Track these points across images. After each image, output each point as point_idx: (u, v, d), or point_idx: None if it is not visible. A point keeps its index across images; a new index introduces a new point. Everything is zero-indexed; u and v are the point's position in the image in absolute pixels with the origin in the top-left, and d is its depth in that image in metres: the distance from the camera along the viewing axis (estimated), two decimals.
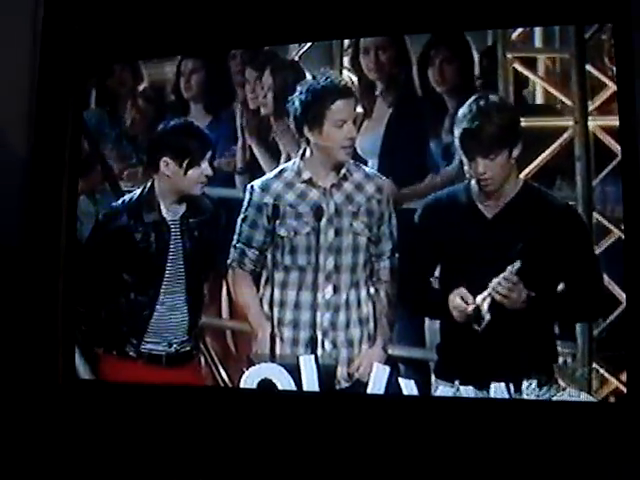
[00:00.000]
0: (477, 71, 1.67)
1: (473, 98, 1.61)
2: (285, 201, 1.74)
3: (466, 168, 1.62)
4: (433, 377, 1.65)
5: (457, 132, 1.61)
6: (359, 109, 1.73)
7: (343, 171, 1.73)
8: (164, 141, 1.81)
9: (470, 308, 1.61)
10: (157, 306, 1.80)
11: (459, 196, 1.66)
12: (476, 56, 1.67)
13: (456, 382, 1.61)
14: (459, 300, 1.61)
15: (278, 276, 1.74)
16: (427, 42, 1.70)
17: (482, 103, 1.60)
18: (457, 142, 1.61)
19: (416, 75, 1.71)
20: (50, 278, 1.89)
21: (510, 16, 1.63)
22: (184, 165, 1.78)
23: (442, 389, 1.63)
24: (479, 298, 1.60)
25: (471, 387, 1.61)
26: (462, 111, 1.61)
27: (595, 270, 1.57)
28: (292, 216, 1.73)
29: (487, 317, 1.60)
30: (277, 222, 1.74)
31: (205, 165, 1.79)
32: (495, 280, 1.59)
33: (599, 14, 1.58)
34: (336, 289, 1.72)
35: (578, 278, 1.59)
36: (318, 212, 1.72)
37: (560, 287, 1.61)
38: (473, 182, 1.64)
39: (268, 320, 1.74)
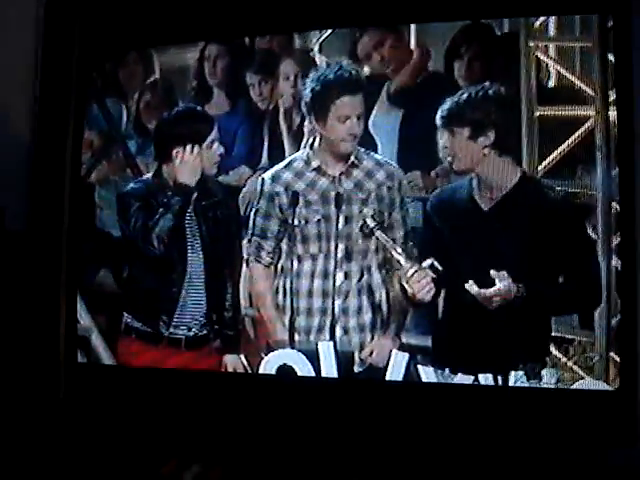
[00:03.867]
0: (500, 61, 1.67)
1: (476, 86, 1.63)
2: (295, 190, 1.75)
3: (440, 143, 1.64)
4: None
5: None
6: (364, 102, 1.72)
7: (352, 159, 1.74)
8: (171, 131, 1.83)
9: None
10: (183, 289, 1.81)
11: (461, 188, 1.67)
12: (500, 46, 1.67)
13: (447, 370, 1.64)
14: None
15: (292, 265, 1.75)
16: (455, 35, 1.69)
17: (476, 90, 1.63)
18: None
19: (442, 67, 1.71)
20: (53, 262, 1.90)
21: (525, 5, 1.64)
22: (196, 150, 1.79)
23: (460, 377, 1.65)
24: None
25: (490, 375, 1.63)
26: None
27: (591, 263, 1.57)
28: (302, 204, 1.74)
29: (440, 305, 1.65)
30: (288, 211, 1.75)
31: (216, 145, 1.80)
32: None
33: (599, 4, 1.58)
34: (347, 275, 1.73)
35: (574, 271, 1.60)
36: (335, 199, 1.73)
37: (558, 279, 1.61)
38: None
39: (284, 309, 1.76)
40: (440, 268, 1.66)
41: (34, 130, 1.97)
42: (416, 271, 1.67)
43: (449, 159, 1.67)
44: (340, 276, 1.73)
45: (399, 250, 1.70)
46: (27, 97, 1.99)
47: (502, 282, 1.60)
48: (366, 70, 1.75)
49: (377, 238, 1.71)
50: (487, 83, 1.64)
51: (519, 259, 1.61)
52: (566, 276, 1.62)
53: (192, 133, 1.80)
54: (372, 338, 1.74)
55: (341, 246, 1.73)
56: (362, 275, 1.74)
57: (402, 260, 1.69)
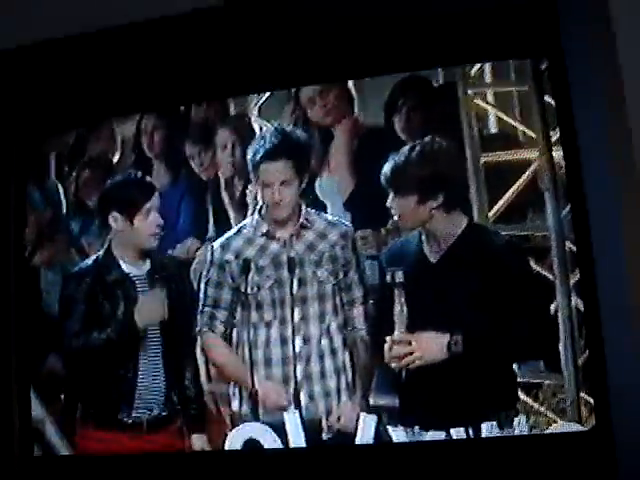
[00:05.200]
0: (440, 112, 1.67)
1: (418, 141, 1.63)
2: (246, 257, 1.72)
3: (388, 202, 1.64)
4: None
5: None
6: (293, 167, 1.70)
7: (301, 221, 1.72)
8: (109, 197, 1.81)
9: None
10: (139, 371, 1.75)
11: (411, 241, 1.66)
12: (438, 96, 1.67)
13: (416, 428, 1.60)
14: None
15: (249, 334, 1.71)
16: (393, 89, 1.69)
17: (419, 146, 1.62)
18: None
19: (382, 121, 1.71)
20: (3, 351, 1.83)
21: (461, 54, 1.64)
22: (131, 217, 1.77)
23: (432, 434, 1.60)
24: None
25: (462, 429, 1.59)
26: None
27: (547, 304, 1.57)
28: (254, 271, 1.71)
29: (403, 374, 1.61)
30: (240, 279, 1.72)
31: (153, 215, 1.77)
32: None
33: (534, 49, 1.59)
34: (305, 340, 1.69)
35: (529, 314, 1.58)
36: (288, 263, 1.70)
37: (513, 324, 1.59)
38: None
39: (244, 380, 1.71)
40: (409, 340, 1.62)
41: None
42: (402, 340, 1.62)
43: (396, 218, 1.65)
44: (299, 341, 1.69)
45: (402, 318, 1.63)
46: None
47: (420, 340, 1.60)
48: (303, 132, 1.74)
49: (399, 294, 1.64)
50: (429, 138, 1.64)
51: (466, 309, 1.59)
52: (521, 320, 1.59)
53: (128, 199, 1.78)
54: (338, 402, 1.69)
55: (297, 310, 1.70)
56: (321, 338, 1.70)
57: (401, 327, 1.63)
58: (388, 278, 1.63)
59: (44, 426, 1.83)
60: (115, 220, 1.78)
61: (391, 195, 1.64)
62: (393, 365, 1.62)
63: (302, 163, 1.71)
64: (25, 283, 1.88)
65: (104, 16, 1.73)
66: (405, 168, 1.62)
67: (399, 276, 1.63)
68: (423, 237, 1.66)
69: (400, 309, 1.62)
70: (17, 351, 1.84)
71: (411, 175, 1.62)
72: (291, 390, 1.69)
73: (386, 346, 1.62)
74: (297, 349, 1.69)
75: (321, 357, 1.70)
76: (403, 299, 1.62)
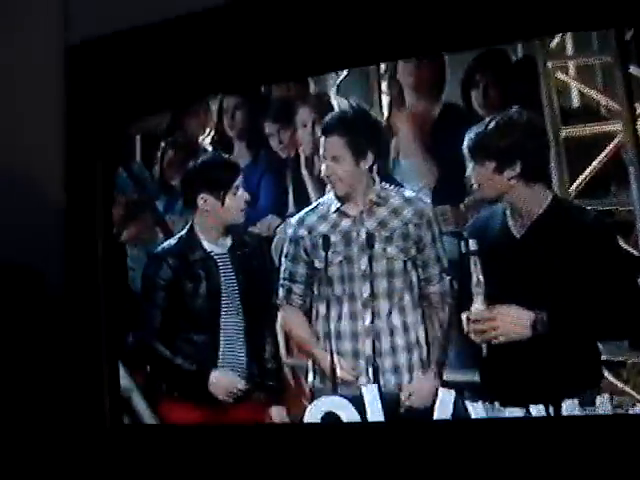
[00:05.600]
0: (518, 86, 1.65)
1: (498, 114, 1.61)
2: (318, 232, 1.75)
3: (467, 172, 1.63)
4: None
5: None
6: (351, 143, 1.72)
7: (371, 197, 1.73)
8: (197, 178, 1.84)
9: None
10: (220, 345, 1.80)
11: (496, 216, 1.65)
12: (517, 71, 1.65)
13: (496, 403, 1.59)
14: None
15: (321, 308, 1.75)
16: (470, 64, 1.68)
17: (499, 117, 1.61)
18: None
19: (460, 98, 1.70)
20: (93, 326, 1.91)
21: (541, 25, 1.61)
22: (221, 196, 1.80)
23: (511, 410, 1.59)
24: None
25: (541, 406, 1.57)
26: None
27: (630, 288, 1.52)
28: (324, 247, 1.74)
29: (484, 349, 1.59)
30: (313, 254, 1.75)
31: (241, 191, 1.82)
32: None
33: (618, 18, 1.55)
34: (374, 316, 1.71)
35: (615, 292, 1.54)
36: (358, 239, 1.72)
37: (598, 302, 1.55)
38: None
39: (323, 353, 1.74)
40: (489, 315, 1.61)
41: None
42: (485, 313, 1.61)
43: (475, 187, 1.64)
44: (368, 317, 1.71)
45: (479, 289, 1.63)
46: (59, 166, 2.02)
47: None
48: (369, 110, 1.75)
49: (474, 264, 1.63)
50: (509, 110, 1.62)
51: (551, 286, 1.57)
52: (606, 298, 1.56)
53: (217, 179, 1.82)
54: (411, 379, 1.70)
55: (365, 286, 1.71)
56: (392, 314, 1.71)
57: (479, 300, 1.62)
58: (463, 248, 1.63)
59: (132, 396, 1.91)
60: (205, 200, 1.83)
61: (470, 165, 1.64)
62: (474, 339, 1.61)
63: (358, 139, 1.72)
64: (112, 260, 1.95)
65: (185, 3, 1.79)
66: (484, 137, 1.61)
67: (472, 244, 1.62)
68: (508, 211, 1.64)
69: (477, 280, 1.61)
70: (107, 324, 1.92)
71: (489, 144, 1.61)
72: (369, 365, 1.70)
73: (463, 319, 1.62)
74: (366, 324, 1.71)
75: (392, 333, 1.71)
76: (479, 268, 1.61)
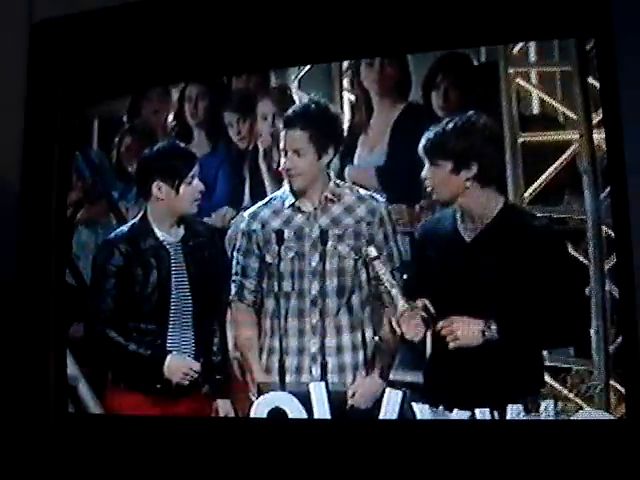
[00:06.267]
0: (479, 90, 1.66)
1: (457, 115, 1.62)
2: (271, 227, 1.74)
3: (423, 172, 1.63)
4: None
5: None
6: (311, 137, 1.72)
7: (326, 194, 1.72)
8: (152, 166, 1.83)
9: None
10: (168, 337, 1.79)
11: (445, 219, 1.65)
12: (478, 75, 1.66)
13: (440, 407, 1.60)
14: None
15: (270, 304, 1.74)
16: (432, 66, 1.69)
17: (457, 119, 1.62)
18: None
19: (420, 99, 1.71)
20: (42, 313, 1.87)
21: (505, 32, 1.62)
22: (176, 185, 1.79)
23: (457, 412, 1.60)
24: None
25: (487, 410, 1.58)
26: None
27: (577, 296, 1.54)
28: (277, 242, 1.73)
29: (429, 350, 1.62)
30: (265, 249, 1.74)
31: (196, 181, 1.80)
32: None
33: (582, 28, 1.56)
34: (322, 314, 1.70)
35: (562, 299, 1.56)
36: (310, 236, 1.72)
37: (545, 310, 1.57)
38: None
39: (271, 350, 1.73)
40: (432, 310, 1.62)
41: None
42: (408, 310, 1.63)
43: (429, 189, 1.65)
44: (316, 315, 1.70)
45: (396, 287, 1.66)
46: (16, 145, 1.98)
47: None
48: (332, 105, 1.75)
49: (374, 269, 1.68)
50: (470, 113, 1.63)
51: (499, 291, 1.58)
52: (554, 305, 1.57)
53: (173, 168, 1.81)
54: (354, 378, 1.69)
55: (315, 284, 1.71)
56: (339, 313, 1.71)
57: (399, 297, 1.65)
58: (371, 254, 1.68)
59: (78, 385, 1.88)
60: (159, 188, 1.81)
61: (426, 165, 1.64)
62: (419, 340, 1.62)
63: (321, 135, 1.71)
64: (64, 244, 1.91)
65: None
66: (441, 138, 1.62)
67: (372, 251, 1.67)
68: (457, 215, 1.65)
69: (390, 283, 1.65)
70: (56, 309, 1.89)
71: (446, 145, 1.61)
72: (315, 362, 1.70)
73: (391, 320, 1.63)
74: (313, 322, 1.70)
75: (338, 331, 1.71)
76: (387, 271, 1.66)
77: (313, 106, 1.73)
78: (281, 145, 1.73)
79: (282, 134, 1.73)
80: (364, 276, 1.71)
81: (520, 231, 1.60)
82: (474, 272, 1.60)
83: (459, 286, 1.61)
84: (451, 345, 1.59)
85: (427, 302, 1.63)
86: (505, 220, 1.62)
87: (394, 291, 1.65)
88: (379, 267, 1.67)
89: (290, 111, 1.73)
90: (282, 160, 1.74)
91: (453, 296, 1.62)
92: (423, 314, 1.62)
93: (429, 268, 1.66)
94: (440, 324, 1.60)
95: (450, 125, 1.62)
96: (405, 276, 1.69)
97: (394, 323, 1.64)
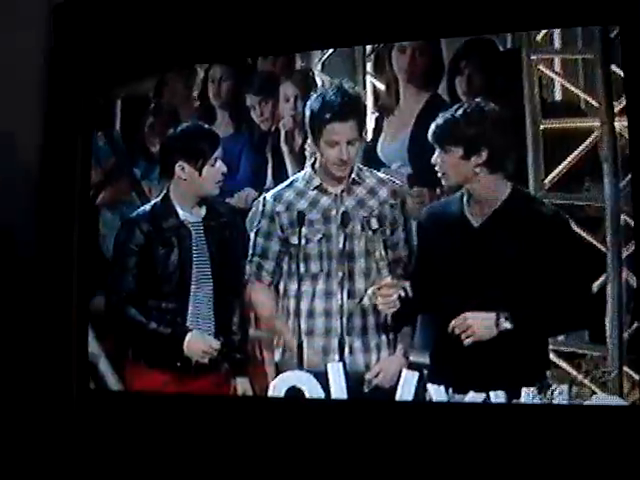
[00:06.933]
0: (502, 76, 1.66)
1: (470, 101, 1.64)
2: (297, 209, 1.75)
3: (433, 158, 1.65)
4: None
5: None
6: (358, 128, 1.73)
7: (352, 176, 1.74)
8: (176, 146, 1.84)
9: None
10: (188, 315, 1.81)
11: (453, 204, 1.66)
12: (501, 61, 1.67)
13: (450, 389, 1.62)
14: None
15: (293, 286, 1.75)
16: (457, 50, 1.70)
17: (470, 105, 1.63)
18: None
19: (445, 84, 1.71)
20: (64, 289, 1.89)
21: (530, 18, 1.62)
22: (199, 166, 1.80)
23: (472, 395, 1.62)
24: None
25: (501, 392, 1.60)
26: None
27: (581, 281, 1.56)
28: (304, 224, 1.74)
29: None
30: (289, 230, 1.76)
31: (219, 163, 1.81)
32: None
33: (606, 16, 1.56)
34: (350, 295, 1.72)
35: (574, 286, 1.58)
36: (337, 217, 1.73)
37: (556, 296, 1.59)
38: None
39: (291, 330, 1.75)
40: (410, 294, 1.67)
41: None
42: (387, 285, 1.67)
43: (439, 175, 1.66)
44: (344, 295, 1.72)
45: (384, 261, 1.70)
46: (35, 124, 2.00)
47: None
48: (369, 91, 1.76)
49: (370, 240, 1.71)
50: (481, 98, 1.64)
51: (509, 277, 1.60)
52: (563, 291, 1.59)
53: (197, 149, 1.82)
54: (378, 358, 1.72)
55: (344, 265, 1.72)
56: (366, 294, 1.72)
57: (384, 270, 1.68)
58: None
59: (97, 361, 1.90)
60: (182, 169, 1.82)
61: (437, 151, 1.65)
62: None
63: (364, 123, 1.74)
64: (86, 223, 1.93)
65: None
66: (451, 124, 1.63)
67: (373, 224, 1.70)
68: (465, 199, 1.66)
69: (379, 256, 1.70)
70: (78, 286, 1.91)
71: (456, 130, 1.62)
72: (335, 342, 1.72)
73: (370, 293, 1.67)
74: (341, 303, 1.72)
75: (364, 312, 1.72)
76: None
77: (354, 96, 1.73)
78: (329, 137, 1.72)
79: (330, 127, 1.71)
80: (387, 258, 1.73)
81: (528, 217, 1.61)
82: (483, 257, 1.62)
83: (467, 270, 1.62)
84: (466, 342, 1.61)
85: (407, 286, 1.67)
86: (514, 205, 1.63)
87: (382, 264, 1.69)
88: (377, 240, 1.70)
89: (336, 103, 1.71)
90: (330, 152, 1.72)
91: (461, 282, 1.63)
92: (401, 293, 1.66)
93: (432, 251, 1.68)
94: (452, 323, 1.62)
95: (459, 111, 1.63)
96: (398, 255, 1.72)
97: (370, 291, 1.68)
